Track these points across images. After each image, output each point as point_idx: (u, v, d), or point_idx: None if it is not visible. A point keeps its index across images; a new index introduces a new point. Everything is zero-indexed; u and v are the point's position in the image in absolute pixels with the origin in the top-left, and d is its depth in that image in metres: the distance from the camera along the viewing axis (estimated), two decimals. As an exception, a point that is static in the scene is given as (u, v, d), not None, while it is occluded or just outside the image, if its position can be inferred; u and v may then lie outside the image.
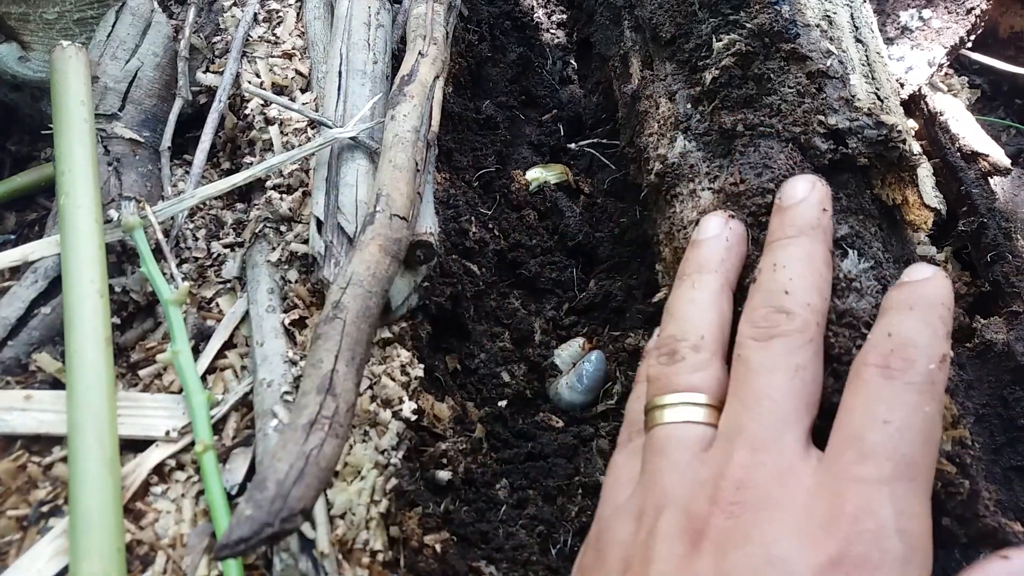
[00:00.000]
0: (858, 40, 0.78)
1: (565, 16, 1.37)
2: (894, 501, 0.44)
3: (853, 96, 0.70)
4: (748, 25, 0.76)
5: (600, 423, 0.88)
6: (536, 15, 1.34)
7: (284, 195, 0.91)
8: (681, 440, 0.53)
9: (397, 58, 1.02)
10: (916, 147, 0.70)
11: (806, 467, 0.48)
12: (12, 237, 1.04)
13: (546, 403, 0.94)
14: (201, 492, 0.76)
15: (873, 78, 0.75)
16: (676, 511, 0.49)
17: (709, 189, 0.73)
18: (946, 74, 1.20)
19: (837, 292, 0.59)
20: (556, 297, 1.04)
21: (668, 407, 0.55)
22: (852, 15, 0.80)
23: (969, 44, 1.12)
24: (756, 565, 0.44)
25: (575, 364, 0.93)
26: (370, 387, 0.78)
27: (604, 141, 1.19)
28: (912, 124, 1.11)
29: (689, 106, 0.81)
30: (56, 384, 0.82)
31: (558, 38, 1.35)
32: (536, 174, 1.13)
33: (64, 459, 0.77)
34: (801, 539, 0.44)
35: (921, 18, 1.10)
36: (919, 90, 1.09)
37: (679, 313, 0.60)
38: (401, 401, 0.77)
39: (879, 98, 0.72)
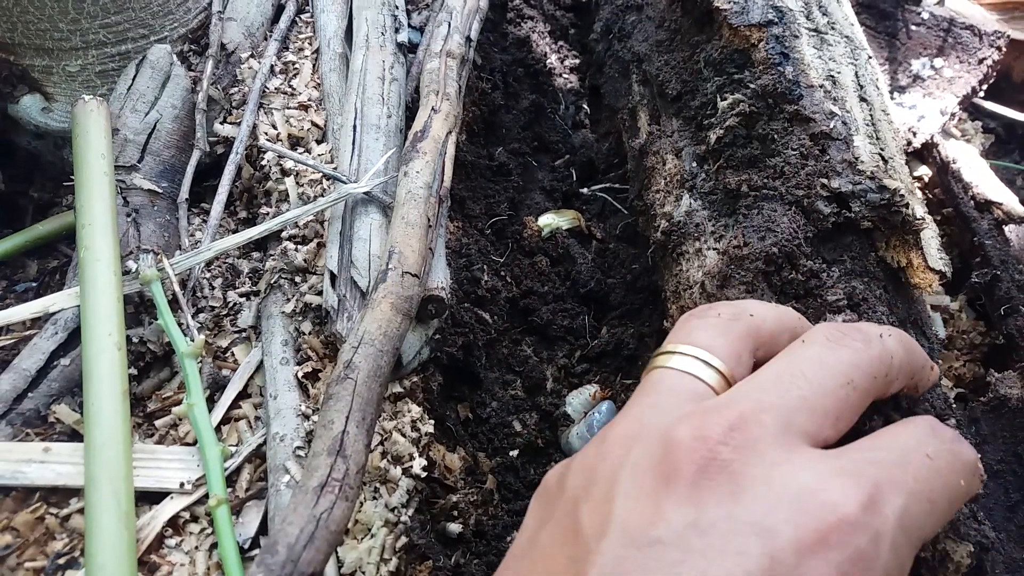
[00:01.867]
0: (862, 99, 0.79)
1: (578, 61, 1.39)
2: (903, 515, 0.40)
3: (856, 158, 0.71)
4: (752, 85, 0.77)
5: (609, 475, 0.89)
6: (549, 60, 1.35)
7: (299, 246, 0.93)
8: (675, 387, 0.47)
9: (411, 109, 1.04)
10: (920, 210, 0.70)
11: (811, 450, 0.42)
12: (34, 284, 1.06)
13: (558, 452, 0.94)
14: (214, 545, 0.77)
15: (877, 138, 0.75)
16: (651, 440, 0.42)
17: (714, 249, 0.73)
18: (960, 119, 1.21)
19: None
20: (568, 344, 1.05)
21: (678, 355, 0.48)
22: (857, 73, 0.81)
23: (981, 93, 1.13)
24: (761, 508, 0.38)
25: (586, 414, 0.94)
26: (381, 443, 0.79)
27: (616, 186, 1.20)
28: (925, 171, 1.12)
29: (695, 164, 0.82)
30: (74, 435, 0.83)
31: (571, 83, 1.36)
32: (548, 220, 1.14)
33: (81, 511, 0.79)
34: (810, 495, 0.39)
35: (933, 67, 1.11)
36: (932, 138, 1.10)
37: (780, 314, 0.53)
38: (411, 458, 0.78)
39: (883, 159, 0.73)
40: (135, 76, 1.05)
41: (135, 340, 0.88)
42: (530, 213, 1.16)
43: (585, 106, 1.34)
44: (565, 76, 1.36)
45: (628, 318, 1.04)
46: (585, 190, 1.22)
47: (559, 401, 0.98)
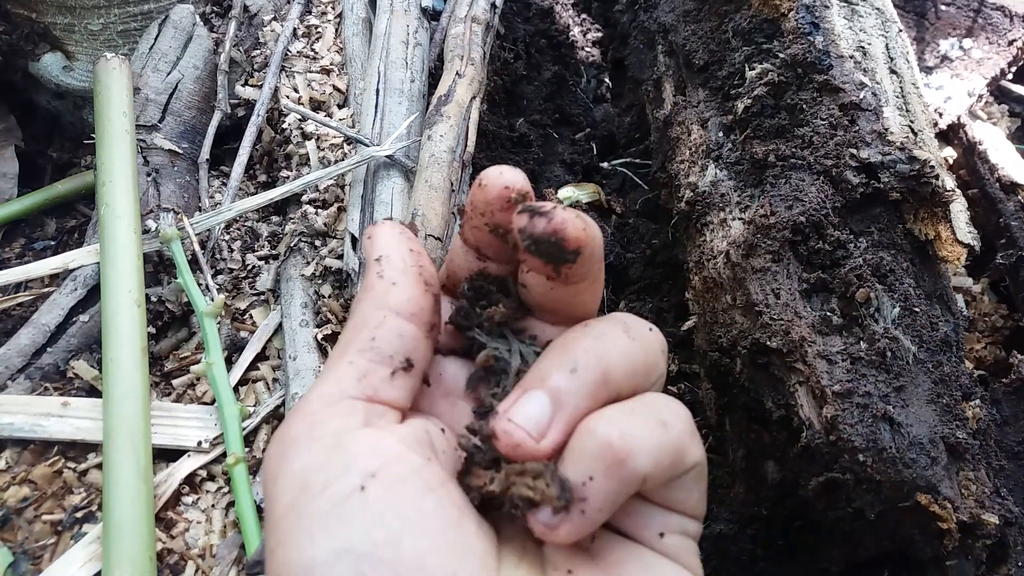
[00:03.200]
0: (893, 71, 0.78)
1: (601, 34, 1.38)
2: None
3: (886, 129, 0.70)
4: (781, 55, 0.76)
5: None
6: (572, 33, 1.34)
7: (319, 210, 0.92)
8: None
9: (434, 75, 1.03)
10: (950, 182, 0.69)
11: None
12: (52, 243, 1.06)
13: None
14: (231, 503, 0.77)
15: (907, 110, 0.74)
16: None
17: (739, 219, 0.73)
18: (986, 103, 1.19)
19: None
20: (585, 317, 1.04)
21: None
22: (887, 45, 0.80)
23: (1010, 75, 1.11)
24: None
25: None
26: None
27: (637, 161, 1.19)
28: (951, 153, 1.11)
29: (721, 134, 0.81)
30: (92, 391, 0.84)
31: (593, 56, 1.35)
32: (568, 193, 1.13)
33: (98, 465, 0.79)
34: None
35: (962, 48, 1.10)
36: (958, 119, 1.09)
37: None
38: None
39: (913, 131, 0.72)
40: (157, 36, 1.04)
41: (153, 299, 0.88)
42: (550, 186, 1.15)
43: (607, 80, 1.33)
44: (587, 49, 1.35)
45: (646, 293, 1.04)
46: (605, 164, 1.21)
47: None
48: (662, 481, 0.36)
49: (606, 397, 0.36)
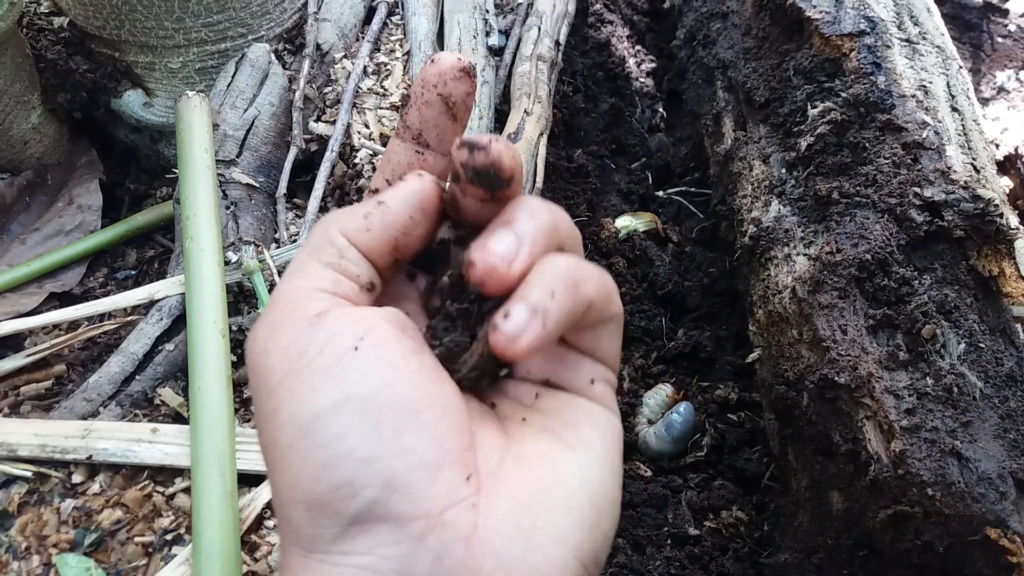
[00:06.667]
0: (954, 109, 0.79)
1: (655, 65, 1.41)
2: None
3: (949, 168, 0.72)
4: (843, 94, 0.79)
5: (689, 474, 0.91)
6: (627, 65, 1.37)
7: (390, 242, 0.96)
8: None
9: (498, 111, 1.06)
10: (1014, 220, 0.71)
11: None
12: (132, 272, 1.10)
13: (634, 451, 0.96)
14: (310, 526, 0.81)
15: (969, 148, 0.76)
16: None
17: (804, 255, 0.75)
18: (1041, 131, 1.20)
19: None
20: (645, 345, 1.06)
21: None
22: (948, 83, 0.82)
23: (1066, 104, 1.12)
24: None
25: (663, 414, 0.96)
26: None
27: (692, 190, 1.22)
28: (1007, 183, 1.12)
29: (784, 171, 0.83)
30: (178, 418, 0.87)
31: (648, 87, 1.38)
32: (625, 222, 1.16)
33: (185, 490, 0.82)
34: None
35: (1019, 79, 1.11)
36: (1015, 150, 1.10)
37: None
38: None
39: (975, 168, 0.74)
40: (235, 73, 1.09)
41: (234, 329, 0.92)
42: (607, 215, 1.17)
43: (661, 109, 1.36)
44: (642, 80, 1.38)
45: (705, 321, 1.06)
46: (661, 193, 1.24)
47: (635, 401, 1.00)
48: (597, 317, 0.42)
49: (555, 244, 0.41)
